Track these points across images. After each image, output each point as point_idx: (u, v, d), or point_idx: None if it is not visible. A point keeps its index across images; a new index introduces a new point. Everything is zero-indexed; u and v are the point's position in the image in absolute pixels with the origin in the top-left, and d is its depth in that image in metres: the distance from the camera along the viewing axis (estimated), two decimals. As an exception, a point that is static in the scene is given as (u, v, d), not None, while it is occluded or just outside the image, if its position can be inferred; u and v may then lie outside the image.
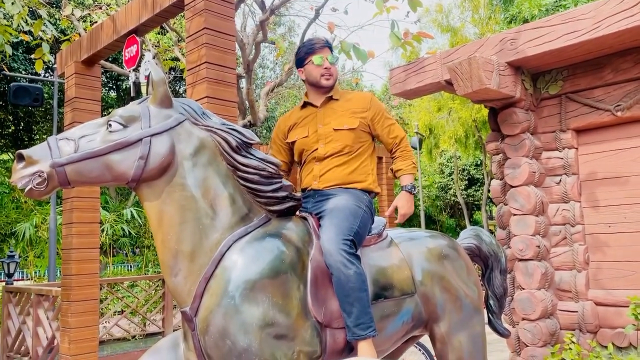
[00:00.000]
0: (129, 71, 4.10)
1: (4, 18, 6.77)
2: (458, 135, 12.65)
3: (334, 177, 2.67)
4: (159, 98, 2.19)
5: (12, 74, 8.99)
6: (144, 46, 3.95)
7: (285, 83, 7.80)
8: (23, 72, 9.58)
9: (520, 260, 4.63)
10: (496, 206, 5.24)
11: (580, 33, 3.84)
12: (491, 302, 3.23)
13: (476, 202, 18.74)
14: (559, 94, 4.73)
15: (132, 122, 2.14)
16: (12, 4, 5.46)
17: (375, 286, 2.47)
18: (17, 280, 14.65)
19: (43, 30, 6.25)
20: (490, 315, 3.24)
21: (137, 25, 3.84)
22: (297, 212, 2.57)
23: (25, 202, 11.85)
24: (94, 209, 4.54)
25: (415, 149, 12.85)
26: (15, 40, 7.73)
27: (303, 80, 2.89)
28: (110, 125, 2.10)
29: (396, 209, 2.73)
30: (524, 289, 4.60)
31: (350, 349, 2.31)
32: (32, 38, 7.08)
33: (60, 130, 12.09)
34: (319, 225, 2.48)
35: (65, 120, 4.66)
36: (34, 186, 1.95)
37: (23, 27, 6.53)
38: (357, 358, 2.04)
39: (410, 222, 17.38)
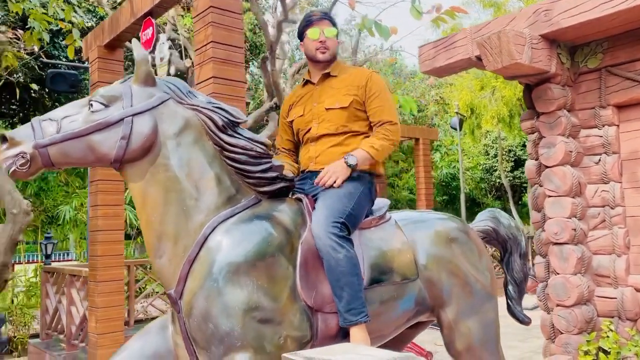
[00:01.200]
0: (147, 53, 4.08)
1: (41, 6, 6.93)
2: (502, 114, 12.16)
3: (330, 158, 2.55)
4: (141, 77, 2.13)
5: (52, 61, 9.26)
6: (177, 29, 3.92)
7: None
8: (64, 60, 9.84)
9: (555, 244, 4.39)
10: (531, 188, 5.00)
11: (617, 2, 3.55)
12: (510, 287, 3.06)
13: (524, 184, 18.13)
14: (599, 68, 4.40)
15: (113, 102, 2.09)
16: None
17: (374, 270, 2.36)
18: (67, 260, 15.32)
19: (74, 17, 6.34)
20: (509, 301, 3.07)
21: (152, 7, 3.81)
22: (292, 194, 2.48)
23: (70, 184, 12.29)
24: (119, 191, 4.59)
25: (455, 129, 12.48)
26: (55, 28, 7.91)
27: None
28: (91, 105, 2.06)
29: None
30: (558, 273, 4.37)
31: (345, 334, 2.22)
32: (71, 25, 7.22)
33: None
34: (314, 207, 2.38)
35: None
36: (17, 167, 1.94)
37: (59, 15, 6.66)
38: (346, 344, 1.93)
39: (453, 205, 16.98)
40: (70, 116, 2.04)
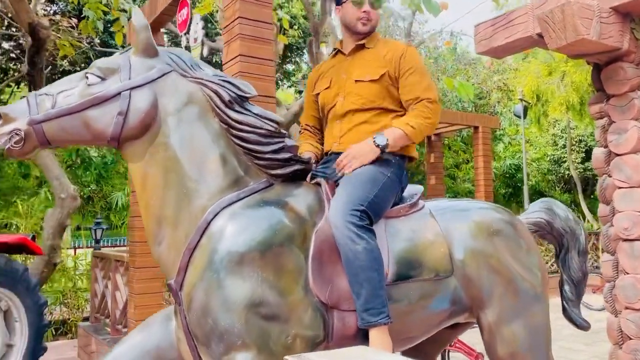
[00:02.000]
0: (181, 35, 3.97)
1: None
2: (571, 102, 11.30)
3: (357, 137, 2.28)
4: (141, 47, 1.94)
5: (107, 49, 9.47)
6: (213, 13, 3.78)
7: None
8: (120, 48, 10.06)
9: (625, 240, 3.93)
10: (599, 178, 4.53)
11: None
12: (566, 287, 2.69)
13: (596, 177, 16.96)
14: (680, 42, 3.87)
15: (110, 75, 1.92)
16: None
17: (400, 265, 2.08)
18: (123, 246, 15.81)
19: (124, 3, 6.37)
20: (565, 303, 2.71)
21: (187, -15, 3.68)
22: (312, 179, 2.24)
23: (126, 170, 12.63)
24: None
25: (519, 117, 11.76)
26: (112, 18, 8.03)
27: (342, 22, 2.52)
28: (87, 78, 1.90)
29: None
30: (628, 273, 3.92)
31: (366, 335, 1.96)
32: (124, 12, 7.30)
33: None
34: (334, 194, 2.13)
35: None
36: (11, 145, 1.82)
37: (112, 4, 6.73)
38: (358, 348, 1.69)
39: (517, 197, 16.11)
40: (66, 90, 1.89)
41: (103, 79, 1.90)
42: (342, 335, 1.95)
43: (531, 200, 13.65)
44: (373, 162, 2.21)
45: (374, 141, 2.20)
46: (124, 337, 2.06)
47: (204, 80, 1.96)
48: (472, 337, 4.30)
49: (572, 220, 2.71)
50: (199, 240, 1.86)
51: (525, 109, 11.86)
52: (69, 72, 9.01)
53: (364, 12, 2.37)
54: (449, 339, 2.65)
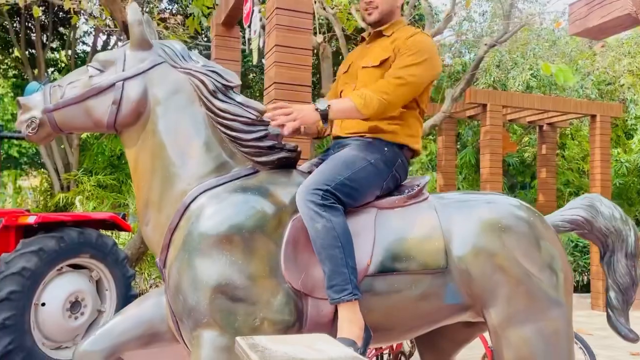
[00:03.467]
0: (245, 27, 4.14)
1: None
2: None
3: (355, 122, 2.25)
4: (135, 40, 2.10)
5: (209, 43, 10.12)
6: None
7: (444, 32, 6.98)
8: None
9: None
10: None
11: None
12: (612, 294, 2.40)
13: None
14: None
15: (108, 67, 2.10)
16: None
17: (386, 256, 2.03)
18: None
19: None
20: (610, 310, 2.42)
21: (248, -21, 3.82)
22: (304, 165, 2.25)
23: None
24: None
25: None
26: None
27: None
28: (88, 70, 2.10)
29: None
30: None
31: None
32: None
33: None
34: None
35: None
36: (29, 131, 2.08)
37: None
38: (317, 335, 1.69)
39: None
40: (73, 82, 2.11)
41: (102, 71, 2.09)
42: (316, 322, 1.96)
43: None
44: (357, 146, 2.19)
45: (314, 104, 2.14)
46: (120, 311, 2.26)
47: (192, 71, 2.07)
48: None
49: (619, 219, 2.41)
50: (178, 222, 1.99)
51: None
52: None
53: (365, 2, 2.33)
54: (467, 337, 2.50)
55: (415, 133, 2.32)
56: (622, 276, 2.41)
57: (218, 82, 2.05)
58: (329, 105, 2.11)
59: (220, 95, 2.04)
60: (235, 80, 2.07)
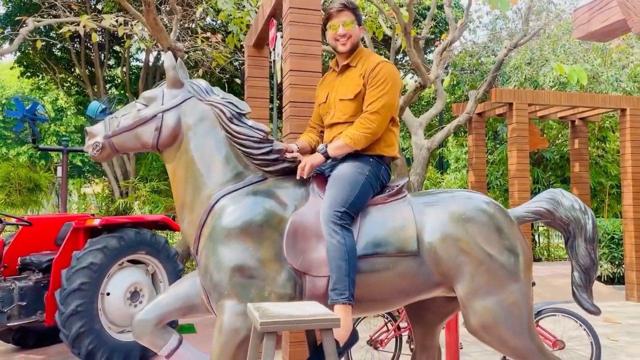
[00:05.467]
0: (271, 50, 4.71)
1: (238, 9, 8.19)
2: None
3: None
4: (170, 82, 2.73)
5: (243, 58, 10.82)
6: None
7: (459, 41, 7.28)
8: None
9: None
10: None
11: None
12: (575, 274, 2.83)
13: None
14: None
15: (151, 102, 2.74)
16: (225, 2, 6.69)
17: (369, 242, 2.56)
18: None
19: (249, 18, 7.37)
20: (574, 288, 2.85)
21: (271, 9, 4.39)
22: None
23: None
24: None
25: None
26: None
27: None
28: (136, 105, 2.73)
29: None
30: None
31: None
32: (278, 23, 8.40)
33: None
34: (319, 184, 2.71)
35: (245, 95, 5.59)
36: (94, 153, 2.73)
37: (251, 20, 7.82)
38: (306, 302, 2.23)
39: None
40: (126, 114, 2.75)
41: (146, 105, 2.73)
42: (312, 294, 2.52)
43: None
44: (353, 162, 2.73)
45: (319, 151, 2.77)
46: (167, 288, 2.88)
47: (214, 102, 2.69)
48: (551, 324, 4.37)
49: (578, 209, 2.83)
50: (205, 219, 2.59)
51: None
52: (220, 79, 10.52)
53: (339, 34, 2.82)
54: (449, 311, 2.97)
55: (390, 143, 2.84)
56: (583, 258, 2.83)
57: (234, 110, 2.66)
58: (326, 146, 2.75)
59: (235, 121, 2.64)
60: (246, 108, 2.67)
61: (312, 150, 2.98)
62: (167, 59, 2.70)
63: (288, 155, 2.70)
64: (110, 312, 4.88)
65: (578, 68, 6.21)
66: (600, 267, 9.93)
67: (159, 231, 6.09)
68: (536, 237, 13.88)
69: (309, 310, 2.10)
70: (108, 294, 4.87)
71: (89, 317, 4.62)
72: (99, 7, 11.86)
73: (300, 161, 2.72)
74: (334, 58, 3.02)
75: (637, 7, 4.00)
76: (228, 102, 2.69)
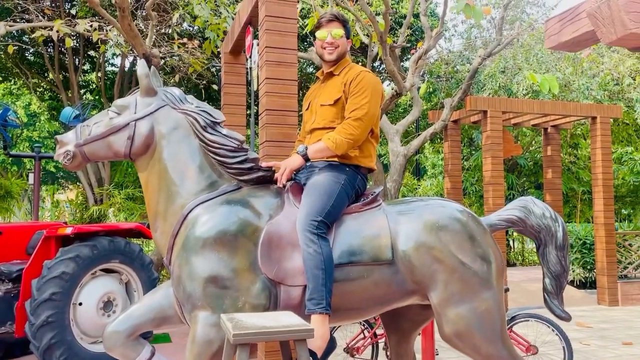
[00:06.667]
0: (246, 58, 4.71)
1: (215, 15, 8.16)
2: None
3: None
4: (143, 89, 2.70)
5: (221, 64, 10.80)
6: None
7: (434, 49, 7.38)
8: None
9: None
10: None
11: None
12: (547, 280, 2.87)
13: None
14: None
15: (124, 110, 2.71)
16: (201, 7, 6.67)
17: (344, 251, 2.56)
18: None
19: (227, 26, 7.37)
20: (545, 295, 2.89)
21: (248, 16, 4.39)
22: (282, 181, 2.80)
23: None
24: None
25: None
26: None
27: None
28: (109, 113, 2.70)
29: None
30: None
31: None
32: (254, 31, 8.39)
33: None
34: (294, 193, 2.71)
35: (222, 102, 5.57)
36: (65, 161, 2.69)
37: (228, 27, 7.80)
38: (281, 312, 2.22)
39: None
40: (98, 122, 2.72)
41: (119, 113, 2.70)
42: (287, 304, 2.50)
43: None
44: (330, 170, 2.73)
45: (299, 152, 2.75)
46: (140, 298, 2.83)
47: (188, 111, 2.67)
48: (524, 330, 4.43)
49: (549, 217, 2.87)
50: (179, 229, 2.56)
51: (661, 95, 10.63)
52: (197, 85, 10.45)
53: (327, 42, 2.86)
54: (424, 319, 2.99)
55: (368, 154, 2.86)
56: (554, 265, 2.87)
57: (208, 119, 2.64)
58: (306, 148, 2.73)
59: (209, 130, 2.62)
60: (221, 117, 2.65)
61: None
62: (140, 66, 2.67)
63: (263, 164, 2.69)
64: (82, 323, 4.80)
65: (549, 77, 6.35)
66: (573, 271, 10.12)
67: (134, 239, 6.01)
68: (511, 242, 14.08)
69: (283, 320, 2.09)
70: (80, 304, 4.78)
71: (60, 328, 4.54)
72: (73, 12, 11.68)
73: (275, 170, 2.71)
74: (320, 69, 3.05)
75: (605, 19, 4.11)
76: (202, 110, 2.67)
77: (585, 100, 11.25)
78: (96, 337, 4.88)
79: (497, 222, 2.90)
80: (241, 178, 2.65)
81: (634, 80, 10.79)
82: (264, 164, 2.68)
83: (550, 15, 12.54)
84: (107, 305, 4.95)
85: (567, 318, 2.89)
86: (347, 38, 2.93)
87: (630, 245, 9.47)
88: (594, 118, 8.94)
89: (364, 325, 4.66)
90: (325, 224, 2.57)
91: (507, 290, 4.72)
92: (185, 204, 2.59)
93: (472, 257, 2.62)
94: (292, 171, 2.72)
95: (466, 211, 2.78)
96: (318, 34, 2.89)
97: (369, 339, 4.60)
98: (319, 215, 2.56)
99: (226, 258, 2.44)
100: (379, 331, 4.58)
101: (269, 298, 2.47)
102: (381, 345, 4.73)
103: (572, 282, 10.09)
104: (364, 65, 10.63)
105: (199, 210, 2.55)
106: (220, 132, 2.64)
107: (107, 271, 5.07)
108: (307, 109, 2.97)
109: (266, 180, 2.71)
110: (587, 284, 10.19)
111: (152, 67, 2.78)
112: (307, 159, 2.75)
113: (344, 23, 2.90)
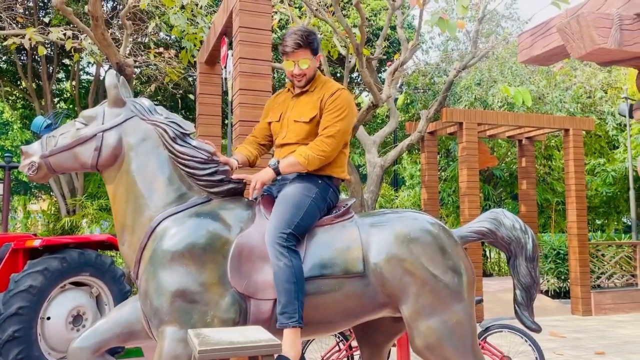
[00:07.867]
0: (222, 68, 4.68)
1: (192, 25, 8.12)
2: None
3: None
4: (111, 101, 2.65)
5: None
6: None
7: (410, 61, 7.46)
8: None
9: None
10: None
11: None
12: (517, 292, 2.88)
13: None
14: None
15: (91, 121, 2.65)
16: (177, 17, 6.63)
17: (315, 264, 2.53)
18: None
19: (203, 34, 7.33)
20: (516, 306, 2.90)
21: (223, 27, 4.37)
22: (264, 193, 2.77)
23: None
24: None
25: (624, 116, 10.81)
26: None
27: None
28: (75, 124, 2.64)
29: None
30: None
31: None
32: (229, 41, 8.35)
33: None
34: (266, 205, 2.68)
35: (197, 112, 5.52)
36: (30, 172, 2.62)
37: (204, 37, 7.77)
38: (249, 327, 2.18)
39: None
40: (64, 133, 2.66)
41: (86, 124, 2.64)
42: (257, 318, 2.46)
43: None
44: (302, 181, 2.70)
45: (270, 165, 2.72)
46: (107, 313, 2.76)
47: (157, 122, 2.62)
48: (498, 340, 4.45)
49: (519, 229, 2.89)
50: (146, 242, 2.51)
51: (631, 108, 10.87)
52: (174, 94, 10.37)
53: (295, 73, 2.80)
54: (397, 331, 2.97)
55: (341, 164, 2.84)
56: (524, 276, 2.89)
57: (177, 130, 2.59)
58: (278, 162, 2.70)
59: (179, 141, 2.58)
60: (191, 128, 2.61)
61: (251, 165, 2.95)
62: (108, 77, 2.62)
63: (234, 176, 2.65)
64: (50, 338, 4.68)
65: (523, 90, 6.49)
66: (547, 281, 10.24)
67: (106, 251, 5.89)
68: (487, 252, 14.21)
69: (251, 335, 2.05)
70: (48, 318, 4.66)
71: (27, 343, 4.42)
72: (47, 20, 11.51)
73: (246, 182, 2.68)
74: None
75: (575, 34, 4.19)
76: (171, 121, 2.63)
77: (558, 113, 11.46)
78: (64, 353, 4.75)
79: (468, 234, 2.90)
80: (211, 190, 2.61)
81: (606, 93, 11.05)
82: (234, 176, 2.65)
83: (524, 28, 12.81)
84: (77, 319, 4.83)
85: (537, 329, 2.90)
86: (316, 54, 2.85)
87: (603, 255, 9.63)
88: (566, 130, 9.10)
89: (339, 337, 4.62)
90: (295, 236, 2.54)
91: (479, 301, 4.74)
92: (154, 216, 2.54)
93: (443, 269, 2.61)
94: (263, 185, 2.69)
95: (437, 223, 2.78)
96: (284, 64, 2.84)
97: (344, 352, 4.56)
98: (288, 227, 2.53)
99: (194, 272, 2.39)
100: (354, 343, 4.55)
101: (239, 312, 2.43)
102: (356, 357, 4.70)
103: (546, 292, 10.21)
104: (341, 76, 10.67)
105: (168, 222, 2.50)
106: (189, 144, 2.61)
107: (77, 284, 4.96)
108: (277, 121, 2.93)
109: (237, 192, 2.67)
110: (561, 294, 10.31)
111: (122, 77, 2.73)
112: (278, 173, 2.72)
113: (309, 45, 2.78)
